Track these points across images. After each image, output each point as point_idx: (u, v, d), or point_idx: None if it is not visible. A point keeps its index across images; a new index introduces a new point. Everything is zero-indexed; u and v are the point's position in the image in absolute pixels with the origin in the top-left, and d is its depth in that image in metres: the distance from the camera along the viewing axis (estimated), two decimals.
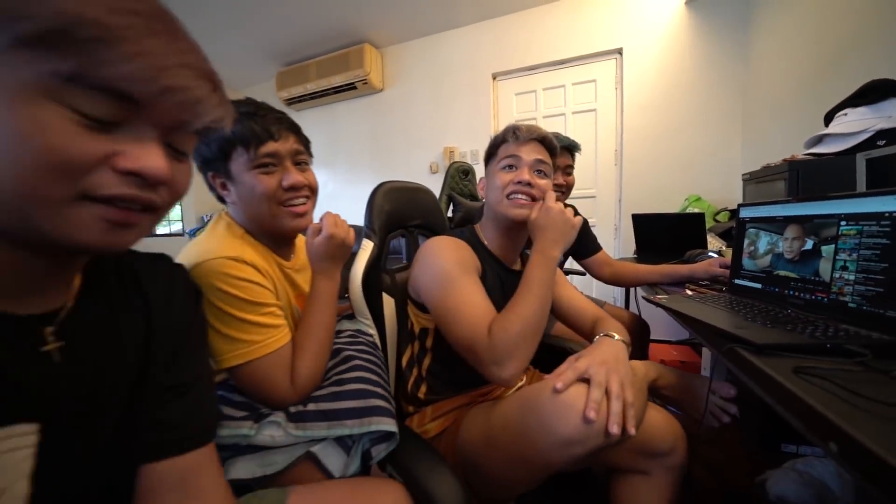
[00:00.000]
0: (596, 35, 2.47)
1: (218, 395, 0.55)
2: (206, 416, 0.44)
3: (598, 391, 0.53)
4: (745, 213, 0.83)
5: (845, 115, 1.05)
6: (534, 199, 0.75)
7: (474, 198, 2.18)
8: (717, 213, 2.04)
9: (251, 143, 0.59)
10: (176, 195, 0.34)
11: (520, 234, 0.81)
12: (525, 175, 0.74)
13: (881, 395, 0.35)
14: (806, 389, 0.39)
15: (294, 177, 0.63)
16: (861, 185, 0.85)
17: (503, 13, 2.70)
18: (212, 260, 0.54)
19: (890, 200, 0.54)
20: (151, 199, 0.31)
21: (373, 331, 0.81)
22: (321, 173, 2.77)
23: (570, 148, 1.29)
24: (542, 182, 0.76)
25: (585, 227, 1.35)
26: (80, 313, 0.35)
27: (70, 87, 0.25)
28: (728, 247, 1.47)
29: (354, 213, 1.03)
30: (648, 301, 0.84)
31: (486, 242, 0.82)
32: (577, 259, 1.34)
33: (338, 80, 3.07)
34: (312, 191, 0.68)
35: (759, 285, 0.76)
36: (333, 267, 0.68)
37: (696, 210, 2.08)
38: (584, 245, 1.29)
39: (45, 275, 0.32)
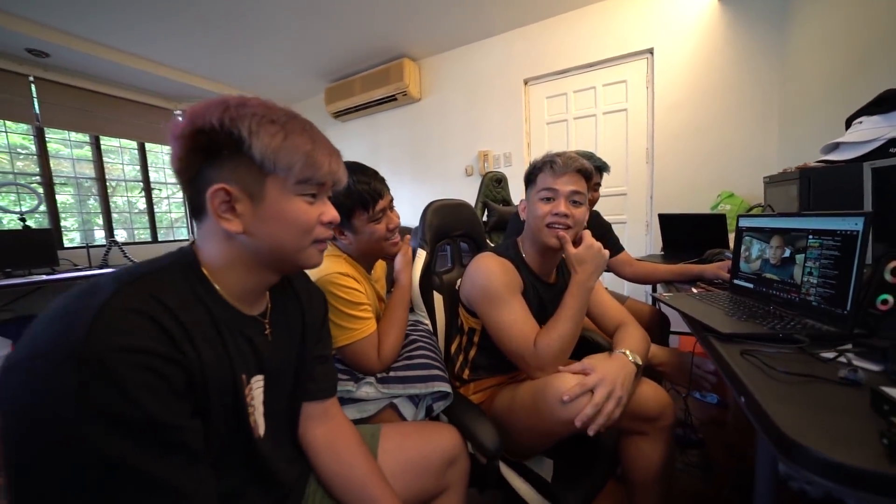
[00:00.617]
0: (626, 37, 2.51)
1: None
2: (335, 376, 0.69)
3: (593, 410, 0.68)
4: (744, 223, 0.95)
5: (861, 122, 1.08)
6: (569, 227, 0.86)
7: (507, 202, 2.36)
8: (751, 208, 2.06)
9: (370, 204, 0.85)
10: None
11: (556, 255, 0.95)
12: (562, 207, 0.85)
13: (788, 369, 0.52)
14: (740, 364, 0.55)
15: (395, 221, 0.92)
16: (868, 193, 0.90)
17: (534, 20, 2.80)
18: (329, 274, 0.79)
19: (842, 221, 0.68)
20: (331, 234, 0.56)
21: (427, 321, 1.05)
22: None
23: (601, 169, 1.45)
24: (578, 212, 0.87)
25: (610, 231, 1.51)
26: (274, 311, 0.59)
27: (303, 186, 0.49)
28: None
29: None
30: (655, 298, 1.00)
31: (526, 259, 0.96)
32: None
33: (379, 93, 3.33)
34: (399, 227, 0.96)
35: (751, 285, 0.90)
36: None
37: (728, 206, 2.11)
38: (608, 248, 1.43)
39: (265, 288, 0.56)
